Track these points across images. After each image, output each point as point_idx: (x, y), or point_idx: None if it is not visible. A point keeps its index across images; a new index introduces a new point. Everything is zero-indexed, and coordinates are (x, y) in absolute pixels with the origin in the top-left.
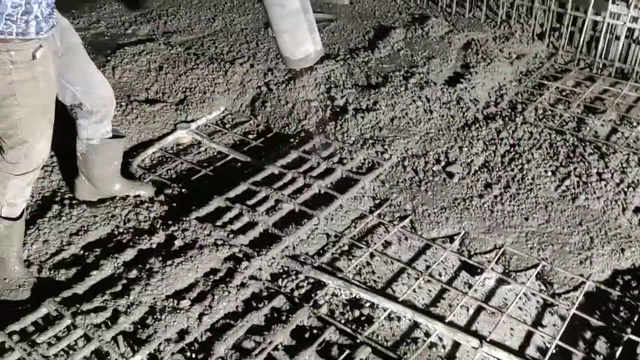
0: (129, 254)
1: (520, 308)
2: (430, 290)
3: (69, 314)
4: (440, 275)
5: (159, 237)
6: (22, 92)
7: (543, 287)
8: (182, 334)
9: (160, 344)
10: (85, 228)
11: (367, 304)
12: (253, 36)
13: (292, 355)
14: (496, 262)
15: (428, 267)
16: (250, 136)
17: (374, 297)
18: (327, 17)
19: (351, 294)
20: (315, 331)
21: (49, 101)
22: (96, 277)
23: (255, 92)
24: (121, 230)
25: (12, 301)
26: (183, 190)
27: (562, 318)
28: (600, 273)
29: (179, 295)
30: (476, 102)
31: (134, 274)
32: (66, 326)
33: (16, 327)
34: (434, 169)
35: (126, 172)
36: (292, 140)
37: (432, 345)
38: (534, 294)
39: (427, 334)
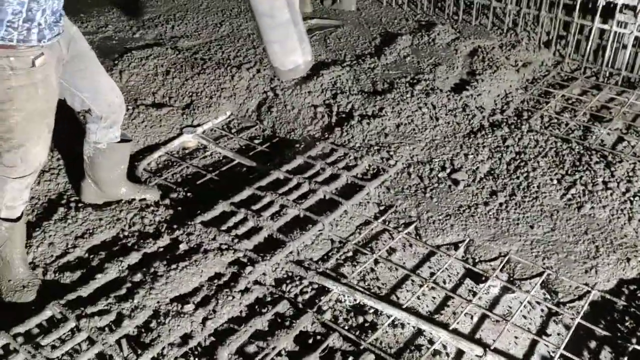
0: (134, 258)
1: (524, 316)
2: (434, 298)
3: (73, 317)
4: (444, 282)
5: (164, 241)
6: (20, 97)
7: (548, 296)
8: (186, 338)
9: (163, 348)
10: (91, 231)
11: (371, 311)
12: (260, 41)
13: None
14: (501, 270)
15: (432, 274)
16: (256, 141)
17: (378, 303)
18: (333, 23)
19: (355, 300)
20: (318, 337)
21: (47, 107)
22: (101, 280)
23: (262, 97)
24: (126, 233)
25: (16, 303)
26: (188, 194)
27: (567, 327)
28: (605, 282)
29: (183, 299)
30: (482, 110)
31: (138, 277)
32: (70, 329)
33: (21, 329)
34: (439, 175)
35: (132, 175)
36: (297, 145)
37: (436, 352)
38: (538, 303)
39: (431, 342)
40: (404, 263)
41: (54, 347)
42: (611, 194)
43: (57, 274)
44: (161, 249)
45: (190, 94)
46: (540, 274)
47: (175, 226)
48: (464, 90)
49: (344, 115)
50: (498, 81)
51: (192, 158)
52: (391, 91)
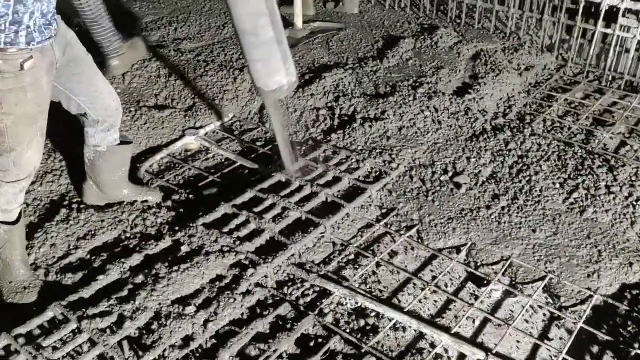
0: (136, 259)
1: (526, 321)
2: (436, 301)
3: (74, 318)
4: (446, 286)
5: (166, 243)
6: (8, 101)
7: (550, 300)
8: (187, 340)
9: (165, 350)
10: (93, 232)
11: (373, 314)
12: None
13: None
14: (503, 274)
15: (434, 277)
16: (259, 143)
17: (380, 306)
18: (336, 26)
19: (357, 303)
20: (320, 340)
21: (38, 111)
22: (102, 281)
23: None
24: (128, 235)
25: (18, 304)
26: (190, 196)
27: (569, 332)
28: (608, 287)
29: (184, 301)
30: (484, 113)
31: (140, 279)
32: (72, 330)
33: (22, 330)
34: (442, 179)
35: (134, 177)
36: (300, 148)
37: (438, 356)
38: (540, 307)
39: (433, 345)
40: (405, 266)
41: (55, 349)
42: (614, 198)
43: (59, 275)
44: (163, 251)
45: (193, 96)
46: (542, 278)
47: (177, 228)
48: (466, 93)
49: (346, 118)
50: (501, 85)
51: (194, 160)
52: (394, 94)
